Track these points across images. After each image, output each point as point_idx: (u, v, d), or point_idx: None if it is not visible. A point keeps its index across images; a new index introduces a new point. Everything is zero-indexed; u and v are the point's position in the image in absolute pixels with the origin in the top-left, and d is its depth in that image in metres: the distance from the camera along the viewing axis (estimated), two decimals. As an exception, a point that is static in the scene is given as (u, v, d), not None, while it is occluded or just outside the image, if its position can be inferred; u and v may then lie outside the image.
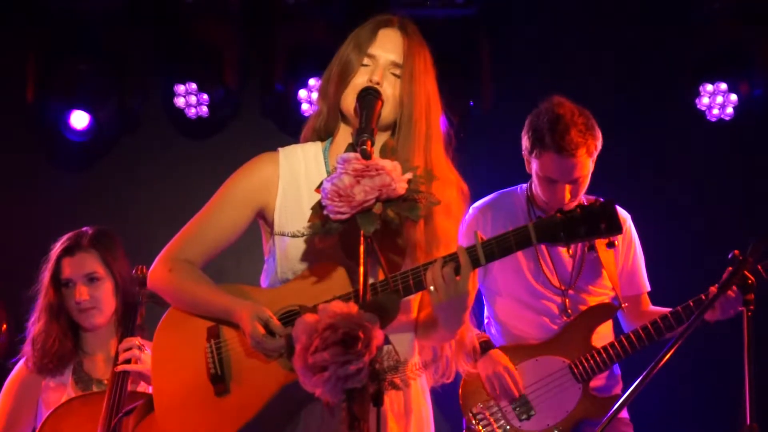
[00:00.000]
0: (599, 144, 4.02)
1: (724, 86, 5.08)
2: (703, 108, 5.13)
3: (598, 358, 4.07)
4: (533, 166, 4.06)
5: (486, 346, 4.09)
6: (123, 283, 3.87)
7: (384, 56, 2.81)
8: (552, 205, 4.04)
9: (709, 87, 5.10)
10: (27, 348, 3.84)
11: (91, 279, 3.84)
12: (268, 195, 2.87)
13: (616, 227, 2.59)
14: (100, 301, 3.84)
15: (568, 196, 3.99)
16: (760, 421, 3.07)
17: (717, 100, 5.10)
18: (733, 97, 5.08)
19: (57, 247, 3.90)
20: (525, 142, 4.08)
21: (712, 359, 4.78)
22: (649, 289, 4.28)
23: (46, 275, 3.88)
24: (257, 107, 5.27)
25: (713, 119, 5.14)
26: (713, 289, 3.83)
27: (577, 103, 4.03)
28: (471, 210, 4.20)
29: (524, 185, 4.25)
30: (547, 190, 4.04)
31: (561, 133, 3.91)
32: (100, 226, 3.98)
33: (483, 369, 4.06)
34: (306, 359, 2.23)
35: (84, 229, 3.94)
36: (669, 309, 4.06)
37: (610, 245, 4.07)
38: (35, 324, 3.85)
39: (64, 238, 3.93)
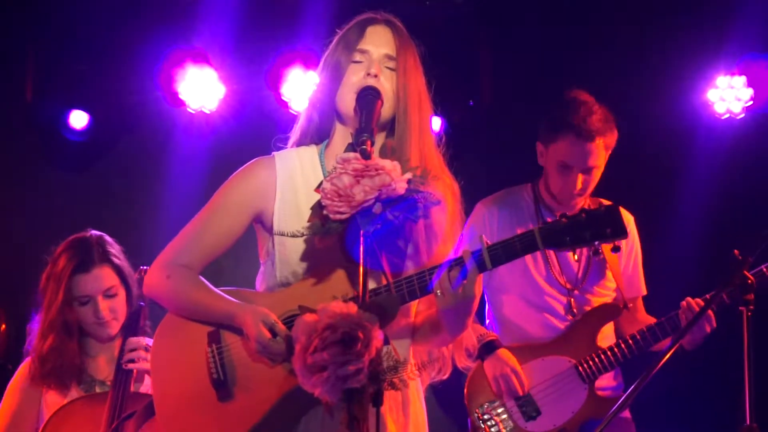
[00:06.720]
0: (614, 141, 4.03)
1: (739, 82, 4.98)
2: (713, 104, 5.02)
3: (603, 359, 4.06)
4: (548, 156, 4.08)
5: (493, 346, 4.08)
6: (132, 289, 3.86)
7: (377, 50, 2.80)
8: (561, 197, 4.06)
9: (722, 82, 5.01)
10: (34, 362, 3.77)
11: (111, 294, 3.81)
12: (265, 199, 2.85)
13: (622, 231, 2.57)
14: (118, 312, 3.83)
15: (579, 185, 4.00)
16: (760, 421, 3.07)
17: (728, 96, 5.00)
18: (745, 94, 4.97)
19: (64, 261, 3.80)
20: (542, 131, 4.10)
21: (712, 359, 4.77)
22: (645, 292, 4.28)
23: (58, 292, 3.77)
24: (258, 107, 5.25)
25: (722, 116, 5.05)
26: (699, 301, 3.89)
27: None
28: (478, 205, 4.21)
29: (530, 184, 4.24)
30: (559, 178, 4.05)
31: (583, 116, 3.97)
32: (99, 232, 3.94)
33: (490, 369, 4.05)
34: (305, 359, 2.22)
35: (86, 235, 3.88)
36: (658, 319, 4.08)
37: (615, 249, 4.06)
38: (43, 339, 3.77)
39: (68, 248, 3.84)
